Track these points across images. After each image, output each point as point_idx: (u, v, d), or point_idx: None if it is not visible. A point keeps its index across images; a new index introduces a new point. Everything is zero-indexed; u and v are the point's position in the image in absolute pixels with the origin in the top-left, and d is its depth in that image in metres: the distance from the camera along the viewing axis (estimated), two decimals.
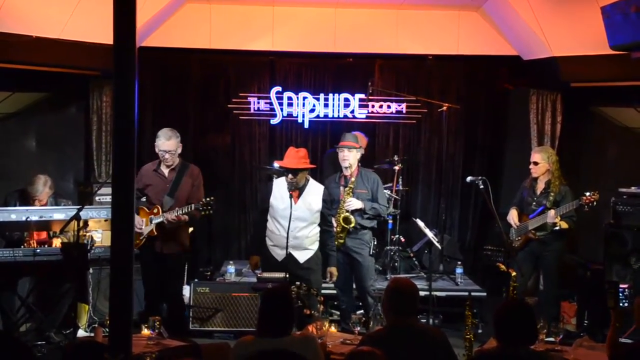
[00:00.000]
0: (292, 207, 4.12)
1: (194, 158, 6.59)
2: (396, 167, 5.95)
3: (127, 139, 1.88)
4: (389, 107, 6.62)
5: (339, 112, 6.59)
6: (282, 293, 2.77)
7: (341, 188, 4.75)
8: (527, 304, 2.95)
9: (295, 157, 4.22)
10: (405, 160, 6.17)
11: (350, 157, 4.70)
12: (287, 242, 4.16)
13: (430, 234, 5.72)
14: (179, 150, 4.72)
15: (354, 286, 4.90)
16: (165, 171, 4.69)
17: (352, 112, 6.61)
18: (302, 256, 4.32)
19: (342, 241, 4.70)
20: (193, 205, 4.48)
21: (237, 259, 6.45)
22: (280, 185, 4.34)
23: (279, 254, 4.31)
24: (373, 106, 6.60)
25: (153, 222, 4.47)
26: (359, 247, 4.73)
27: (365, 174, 4.82)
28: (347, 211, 4.66)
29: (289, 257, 4.24)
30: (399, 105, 6.61)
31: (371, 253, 4.80)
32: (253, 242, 5.19)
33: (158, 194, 4.59)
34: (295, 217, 4.16)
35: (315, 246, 4.38)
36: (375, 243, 4.89)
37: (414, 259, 6.14)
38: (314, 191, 4.33)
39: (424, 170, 6.75)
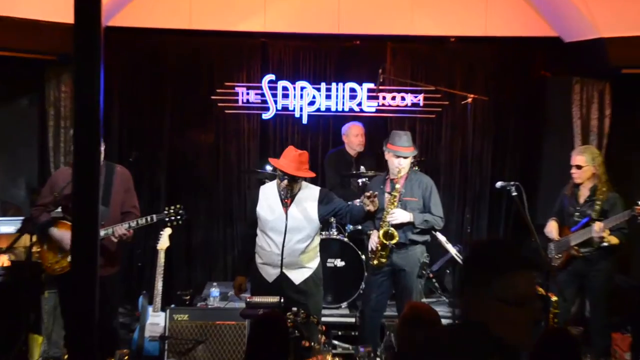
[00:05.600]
0: (286, 218, 4.10)
1: (170, 160, 6.62)
2: (415, 168, 5.94)
3: (90, 137, 1.86)
4: (403, 99, 6.64)
5: (343, 105, 6.62)
6: (276, 320, 2.76)
7: (386, 195, 4.66)
8: (571, 334, 2.94)
9: (297, 160, 4.15)
10: (423, 162, 6.17)
11: (406, 164, 4.65)
12: (281, 259, 4.13)
13: (453, 251, 5.70)
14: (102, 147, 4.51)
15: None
16: None
17: (360, 105, 6.63)
18: (297, 276, 4.28)
19: (384, 260, 4.62)
20: (155, 215, 4.43)
21: (221, 280, 6.45)
22: (268, 192, 4.29)
23: (270, 273, 4.28)
24: (384, 98, 6.63)
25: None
26: (406, 264, 4.65)
27: (416, 178, 4.75)
28: (390, 225, 4.56)
29: (283, 277, 4.21)
30: (415, 97, 6.63)
31: (421, 274, 4.72)
32: (240, 259, 5.17)
33: None
34: (289, 229, 4.14)
35: (314, 264, 4.35)
36: (428, 260, 4.80)
37: (434, 280, 6.15)
38: (309, 195, 4.28)
39: (446, 174, 6.77)
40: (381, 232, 4.54)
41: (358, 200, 5.78)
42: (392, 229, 4.52)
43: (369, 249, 4.68)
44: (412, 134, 6.61)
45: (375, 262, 4.61)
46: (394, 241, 4.53)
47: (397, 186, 4.57)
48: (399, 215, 4.56)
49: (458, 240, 6.30)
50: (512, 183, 4.65)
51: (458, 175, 6.74)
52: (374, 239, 4.61)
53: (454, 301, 5.27)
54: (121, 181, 4.51)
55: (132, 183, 4.60)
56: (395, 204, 4.56)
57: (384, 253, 4.59)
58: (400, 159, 4.60)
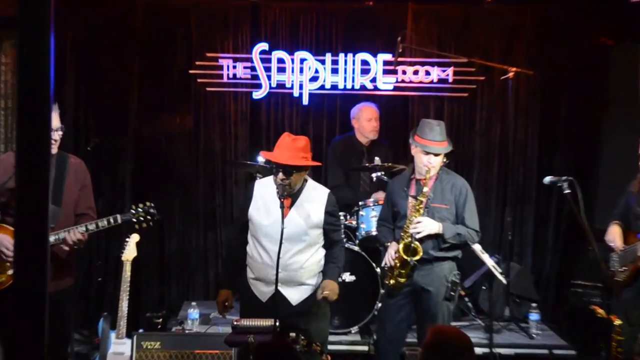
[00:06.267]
0: (282, 222, 4.10)
1: (137, 149, 6.63)
2: None
3: (37, 120, 1.86)
4: (427, 73, 6.63)
5: (353, 81, 6.60)
6: (281, 350, 2.76)
7: (410, 199, 4.60)
8: None
9: (291, 147, 4.15)
10: (453, 153, 6.13)
11: (437, 162, 4.58)
12: (277, 274, 4.13)
13: (490, 262, 5.67)
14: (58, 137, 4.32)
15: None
16: None
17: (374, 81, 6.61)
18: (296, 295, 4.27)
19: (403, 281, 4.55)
20: (119, 216, 4.40)
21: (202, 298, 6.46)
22: (264, 190, 4.29)
23: (263, 291, 4.27)
24: (404, 72, 6.62)
25: None
26: (430, 283, 4.59)
27: (448, 180, 4.67)
28: (413, 237, 4.49)
29: (279, 296, 4.21)
30: (443, 71, 6.62)
31: (449, 296, 4.62)
32: (225, 270, 5.17)
33: None
34: (287, 236, 4.14)
35: (316, 279, 4.34)
36: (459, 279, 4.72)
37: (467, 299, 6.15)
38: (315, 197, 4.27)
39: (481, 168, 6.78)
40: (401, 245, 4.48)
41: (372, 199, 5.82)
42: (416, 242, 4.47)
43: (385, 265, 4.65)
44: (438, 117, 6.67)
45: (392, 281, 4.56)
46: (416, 257, 4.47)
47: (425, 189, 4.48)
48: (426, 226, 4.47)
49: (496, 250, 6.30)
50: (564, 178, 4.62)
51: (496, 168, 6.74)
52: (392, 253, 4.57)
53: (491, 325, 5.26)
54: (76, 175, 4.48)
55: (89, 178, 4.58)
56: (422, 211, 4.51)
57: (403, 271, 4.53)
58: (431, 156, 4.53)
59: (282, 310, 4.15)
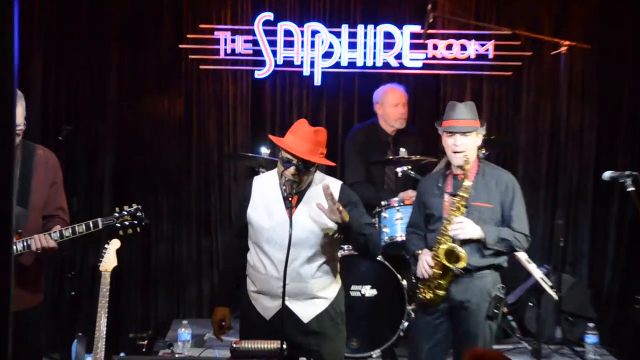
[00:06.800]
0: (290, 224, 4.09)
1: (118, 139, 6.64)
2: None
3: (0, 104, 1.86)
4: (463, 48, 6.62)
5: (375, 57, 6.60)
6: None
7: (446, 197, 4.62)
8: None
9: (312, 140, 4.07)
10: (493, 143, 6.13)
11: (468, 145, 4.54)
12: (284, 286, 4.14)
13: (538, 274, 5.67)
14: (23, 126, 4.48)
15: None
16: None
17: (399, 57, 6.60)
18: (307, 311, 4.26)
19: (442, 294, 4.54)
20: (100, 220, 4.39)
21: (195, 316, 6.48)
22: (264, 187, 4.25)
23: (267, 306, 4.27)
24: (436, 47, 6.61)
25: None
26: (470, 298, 4.59)
27: (492, 174, 4.66)
28: (454, 240, 4.48)
29: (286, 312, 4.21)
30: (482, 45, 6.61)
31: (492, 312, 4.59)
32: (221, 285, 5.17)
33: None
34: (295, 241, 4.12)
35: (331, 292, 4.32)
36: (504, 293, 4.69)
37: (511, 317, 6.14)
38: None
39: (527, 161, 6.76)
40: (441, 249, 4.45)
41: (397, 198, 5.81)
42: (458, 247, 4.45)
43: (419, 275, 4.63)
44: (476, 100, 6.65)
45: (429, 295, 4.54)
46: (461, 265, 4.43)
47: (467, 183, 4.45)
48: (468, 228, 4.47)
49: (545, 259, 6.28)
50: (627, 173, 4.62)
51: (545, 161, 6.73)
52: (427, 261, 4.54)
53: (539, 348, 5.25)
54: (45, 170, 4.49)
55: (60, 173, 4.59)
56: (463, 209, 4.48)
57: (443, 282, 4.50)
58: (457, 137, 4.51)
59: (290, 330, 4.16)
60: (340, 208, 3.90)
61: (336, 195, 4.17)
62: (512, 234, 4.55)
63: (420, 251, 4.61)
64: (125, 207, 4.45)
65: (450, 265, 4.43)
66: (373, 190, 6.02)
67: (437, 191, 4.64)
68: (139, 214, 4.43)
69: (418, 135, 6.31)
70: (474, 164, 4.60)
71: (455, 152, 4.51)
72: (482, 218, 4.52)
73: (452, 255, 4.45)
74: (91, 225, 4.36)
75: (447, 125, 4.56)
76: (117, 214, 4.43)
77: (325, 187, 3.90)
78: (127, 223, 4.42)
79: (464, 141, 4.50)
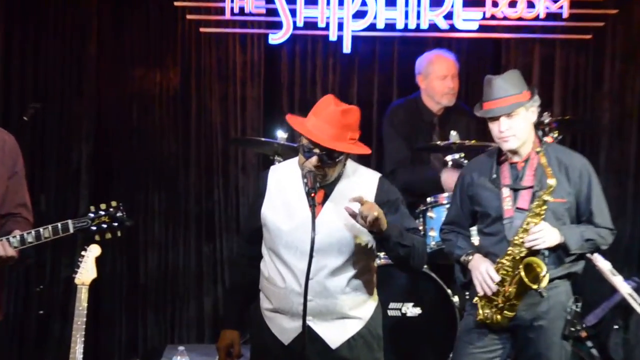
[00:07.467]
0: (313, 226, 4.08)
1: (98, 120, 6.66)
2: (547, 139, 5.88)
3: None
4: (530, 5, 6.64)
5: (419, 18, 6.64)
6: None
7: (505, 191, 4.63)
8: None
9: (338, 123, 4.04)
10: (570, 124, 6.11)
11: (517, 127, 4.55)
12: (305, 303, 4.13)
13: (625, 289, 5.63)
14: None
15: None
16: None
17: (449, 17, 6.66)
18: (336, 334, 4.27)
19: (511, 315, 4.57)
20: (71, 222, 4.41)
21: (194, 340, 6.56)
22: (282, 180, 4.29)
23: (285, 328, 4.28)
24: (495, 4, 6.62)
25: None
26: (543, 315, 4.62)
27: (559, 157, 4.65)
28: (544, 254, 4.48)
29: (309, 335, 4.21)
30: (554, 1, 6.62)
31: (569, 331, 4.60)
32: (228, 302, 5.18)
33: None
34: (319, 247, 4.12)
35: (365, 311, 4.32)
36: (580, 307, 4.71)
37: (590, 343, 6.14)
38: (359, 185, 4.22)
39: (612, 145, 6.78)
40: (523, 266, 4.42)
41: (446, 194, 5.79)
42: (537, 259, 4.42)
43: (480, 291, 4.61)
44: (549, 70, 6.64)
45: (496, 317, 4.55)
46: (544, 284, 4.40)
47: (551, 181, 4.40)
48: (548, 235, 4.45)
49: (635, 269, 6.26)
50: None
51: (635, 146, 6.77)
52: (491, 275, 4.54)
53: None
54: (3, 158, 4.52)
55: (21, 160, 4.62)
56: (543, 214, 4.45)
57: (516, 302, 4.51)
58: (499, 122, 4.52)
59: (314, 357, 4.19)
60: (375, 215, 3.85)
61: (372, 194, 4.16)
62: (595, 231, 4.56)
63: (470, 257, 4.61)
64: (102, 206, 4.47)
65: (534, 287, 4.40)
66: (424, 173, 5.98)
67: (490, 184, 4.64)
68: (119, 214, 4.46)
69: (471, 115, 6.24)
70: (535, 147, 4.60)
71: (502, 139, 4.54)
72: (556, 217, 4.50)
73: (531, 271, 4.43)
74: (60, 228, 4.37)
75: (486, 108, 4.59)
76: (92, 215, 4.45)
77: (357, 200, 3.89)
78: (104, 225, 4.45)
79: (511, 124, 4.52)
